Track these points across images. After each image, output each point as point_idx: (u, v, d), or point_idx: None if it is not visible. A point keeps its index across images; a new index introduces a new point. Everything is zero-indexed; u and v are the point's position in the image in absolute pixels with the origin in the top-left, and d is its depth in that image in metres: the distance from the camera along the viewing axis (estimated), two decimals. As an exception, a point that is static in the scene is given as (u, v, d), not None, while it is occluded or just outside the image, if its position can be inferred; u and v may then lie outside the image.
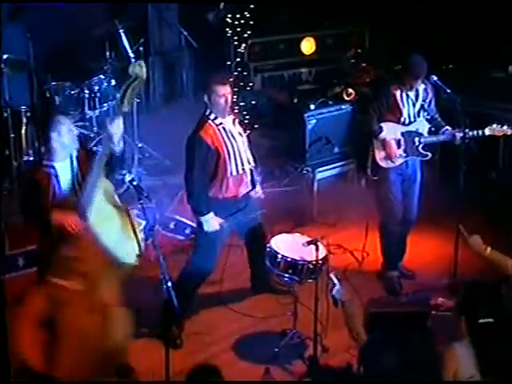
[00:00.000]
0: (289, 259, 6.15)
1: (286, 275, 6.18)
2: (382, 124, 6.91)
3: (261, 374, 5.50)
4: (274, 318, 6.60)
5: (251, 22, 9.48)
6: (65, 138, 5.71)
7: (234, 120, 6.47)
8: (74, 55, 8.85)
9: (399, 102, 6.89)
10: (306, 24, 10.23)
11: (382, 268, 7.28)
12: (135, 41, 8.93)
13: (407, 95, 6.88)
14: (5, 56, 8.05)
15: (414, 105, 6.93)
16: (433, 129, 7.09)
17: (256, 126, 9.49)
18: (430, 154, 7.06)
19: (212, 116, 6.32)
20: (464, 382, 4.37)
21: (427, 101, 6.97)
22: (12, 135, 8.13)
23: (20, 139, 8.21)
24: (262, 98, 9.75)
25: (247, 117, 9.48)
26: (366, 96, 8.80)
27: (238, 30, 9.46)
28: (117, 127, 5.54)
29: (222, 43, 9.57)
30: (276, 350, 6.17)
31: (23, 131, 8.22)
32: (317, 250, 5.98)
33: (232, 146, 6.33)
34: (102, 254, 5.47)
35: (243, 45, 9.55)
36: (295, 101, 9.21)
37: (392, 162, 6.93)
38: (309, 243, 6.05)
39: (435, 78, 6.92)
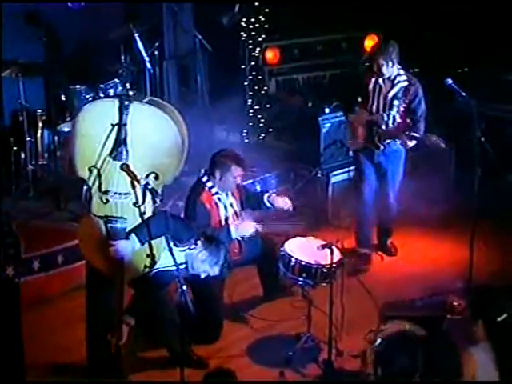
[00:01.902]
0: (303, 263, 6.14)
1: (300, 279, 6.18)
2: (356, 108, 7.16)
3: (275, 378, 5.50)
4: (288, 322, 6.59)
5: (266, 26, 9.50)
6: None
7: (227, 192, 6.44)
8: (89, 59, 8.87)
9: (370, 89, 7.07)
10: (320, 27, 10.21)
11: (355, 245, 7.55)
12: (150, 44, 8.96)
13: (380, 86, 7.02)
14: (20, 60, 8.06)
15: (385, 97, 7.02)
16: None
17: (270, 129, 9.50)
18: (382, 147, 7.14)
19: (209, 184, 6.31)
20: (474, 382, 4.35)
21: (405, 100, 7.01)
22: (28, 139, 8.15)
23: (36, 143, 8.24)
24: (276, 102, 9.74)
25: (262, 120, 9.50)
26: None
27: (253, 33, 9.47)
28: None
29: (236, 47, 9.57)
30: (290, 353, 6.16)
31: (39, 135, 8.25)
32: (331, 253, 5.98)
33: (226, 214, 6.33)
34: None
35: (258, 48, 9.56)
36: (310, 104, 9.23)
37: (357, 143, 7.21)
38: (323, 247, 6.04)
39: (450, 81, 6.90)
